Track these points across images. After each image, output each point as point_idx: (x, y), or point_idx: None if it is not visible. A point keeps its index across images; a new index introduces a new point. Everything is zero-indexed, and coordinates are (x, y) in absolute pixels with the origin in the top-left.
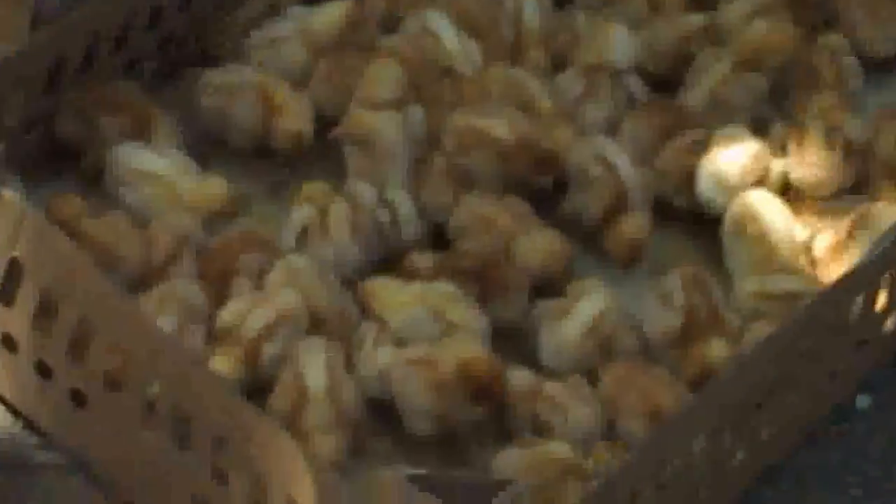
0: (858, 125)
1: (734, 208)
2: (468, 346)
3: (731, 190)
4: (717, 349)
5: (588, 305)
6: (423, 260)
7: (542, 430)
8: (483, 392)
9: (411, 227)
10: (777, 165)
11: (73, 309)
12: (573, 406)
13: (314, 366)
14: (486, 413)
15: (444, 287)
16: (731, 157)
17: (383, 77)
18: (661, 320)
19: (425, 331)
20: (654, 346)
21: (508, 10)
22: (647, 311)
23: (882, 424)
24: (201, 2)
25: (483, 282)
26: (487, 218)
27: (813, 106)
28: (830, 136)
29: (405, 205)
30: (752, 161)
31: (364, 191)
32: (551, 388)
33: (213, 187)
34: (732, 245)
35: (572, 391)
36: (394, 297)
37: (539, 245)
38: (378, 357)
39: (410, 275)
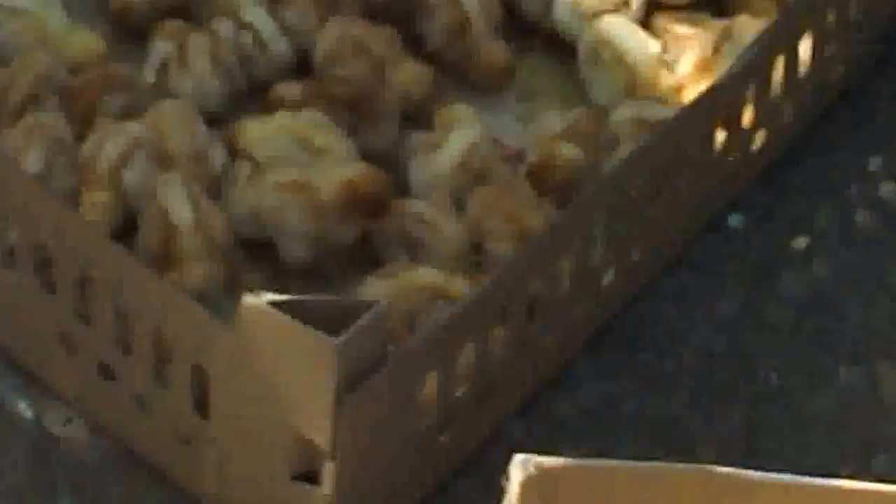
0: None
1: (586, 37)
2: (349, 166)
3: (587, 15)
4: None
5: (459, 137)
6: (289, 89)
7: (412, 249)
8: (370, 208)
9: (279, 47)
10: None
11: None
12: (441, 221)
13: (177, 198)
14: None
15: (311, 115)
16: None
17: None
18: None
19: (294, 160)
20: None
21: None
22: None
23: (754, 241)
24: None
25: (354, 110)
26: (359, 42)
27: None
28: None
29: (267, 25)
30: None
31: (221, 22)
32: (417, 205)
33: (85, 40)
34: (592, 74)
35: (439, 208)
36: (259, 131)
37: (410, 72)
38: (250, 193)
39: (276, 106)
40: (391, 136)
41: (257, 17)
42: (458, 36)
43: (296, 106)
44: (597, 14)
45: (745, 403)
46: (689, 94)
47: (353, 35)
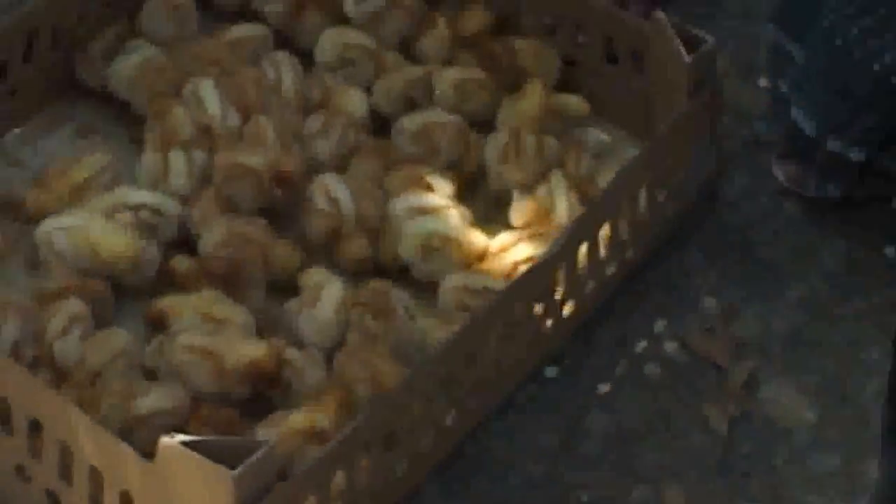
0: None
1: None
2: (253, 344)
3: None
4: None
5: (331, 291)
6: (181, 263)
7: (286, 389)
8: (269, 380)
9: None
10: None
11: None
12: (308, 368)
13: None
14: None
15: (210, 293)
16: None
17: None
18: None
19: (203, 329)
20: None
21: (270, 78)
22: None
23: (567, 388)
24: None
25: (228, 282)
26: (239, 233)
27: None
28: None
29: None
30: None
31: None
32: (291, 353)
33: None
34: (422, 265)
35: (309, 357)
36: (177, 308)
37: (281, 252)
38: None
39: (174, 275)
40: (260, 300)
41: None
42: (332, 234)
43: (190, 277)
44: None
45: None
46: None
47: (233, 228)
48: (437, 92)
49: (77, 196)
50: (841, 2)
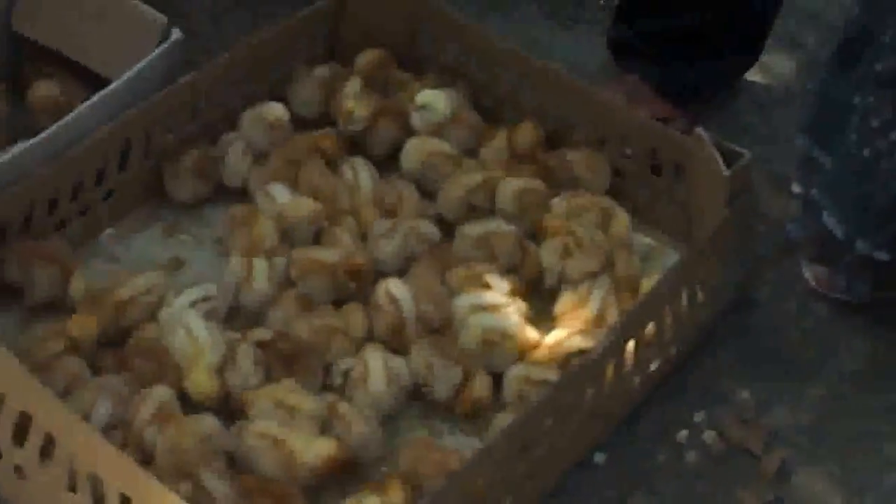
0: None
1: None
2: (327, 442)
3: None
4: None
5: (377, 365)
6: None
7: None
8: (336, 470)
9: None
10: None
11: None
12: (356, 421)
13: None
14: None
15: (287, 381)
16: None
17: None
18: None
19: (276, 417)
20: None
21: (348, 179)
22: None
23: (614, 473)
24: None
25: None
26: (331, 327)
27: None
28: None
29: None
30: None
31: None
32: (342, 406)
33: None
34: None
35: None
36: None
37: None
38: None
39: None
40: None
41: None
42: (396, 331)
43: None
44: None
45: None
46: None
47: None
48: (498, 202)
49: (121, 311)
50: (868, 116)
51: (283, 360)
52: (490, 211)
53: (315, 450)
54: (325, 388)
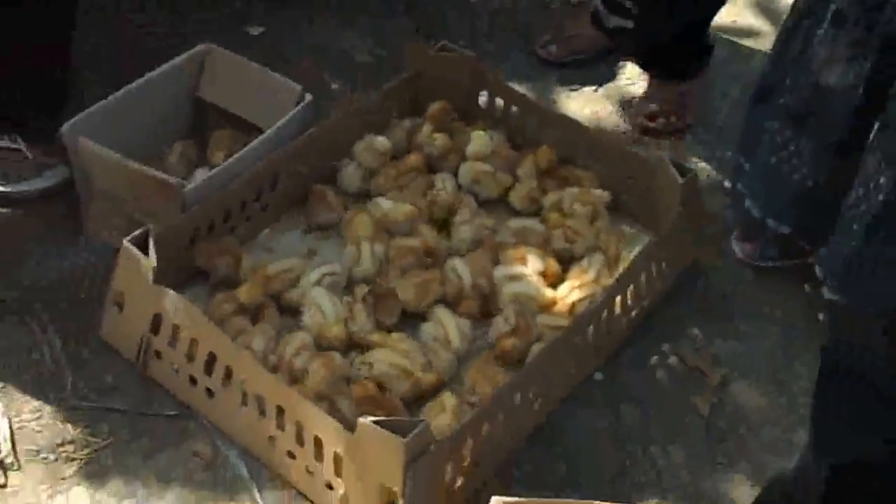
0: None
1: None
2: (430, 375)
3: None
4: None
5: (450, 323)
6: None
7: None
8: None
9: None
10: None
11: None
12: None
13: None
14: None
15: (396, 334)
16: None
17: None
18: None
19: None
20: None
21: (438, 188)
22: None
23: (608, 386)
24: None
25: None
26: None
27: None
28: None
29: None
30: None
31: None
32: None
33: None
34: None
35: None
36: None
37: None
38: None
39: None
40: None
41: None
42: (457, 295)
43: None
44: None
45: None
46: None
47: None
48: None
49: (271, 283)
50: (775, 135)
51: (376, 301)
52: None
53: (427, 377)
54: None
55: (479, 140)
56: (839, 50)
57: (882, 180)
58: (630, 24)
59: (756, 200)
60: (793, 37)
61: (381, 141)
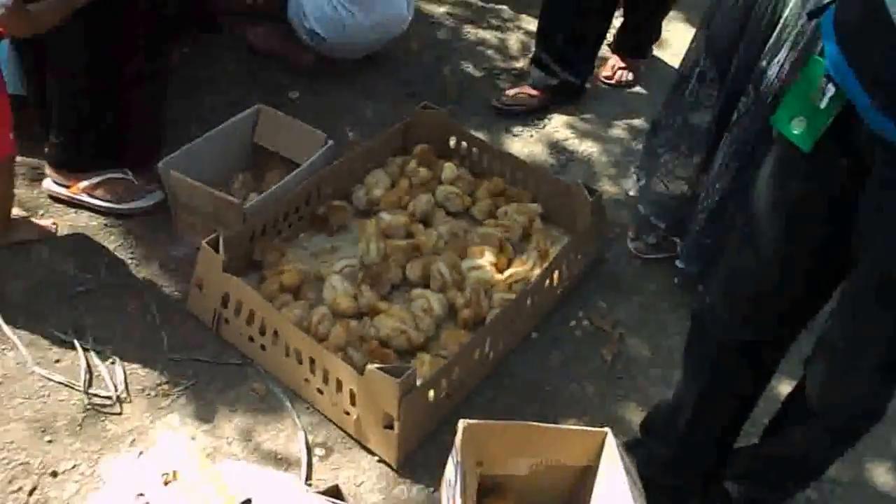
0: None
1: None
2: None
3: None
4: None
5: (435, 299)
6: None
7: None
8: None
9: None
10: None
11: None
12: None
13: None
14: None
15: (395, 307)
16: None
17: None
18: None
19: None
20: None
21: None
22: None
23: (541, 344)
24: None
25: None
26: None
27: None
28: None
29: None
30: None
31: None
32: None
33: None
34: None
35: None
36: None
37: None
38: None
39: None
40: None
41: None
42: (442, 285)
43: None
44: None
45: None
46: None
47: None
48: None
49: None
50: (661, 157)
51: (370, 279)
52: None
53: (416, 335)
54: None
55: (449, 170)
56: (701, 99)
57: (718, 185)
58: (555, 82)
59: (646, 206)
60: (675, 90)
61: (381, 173)
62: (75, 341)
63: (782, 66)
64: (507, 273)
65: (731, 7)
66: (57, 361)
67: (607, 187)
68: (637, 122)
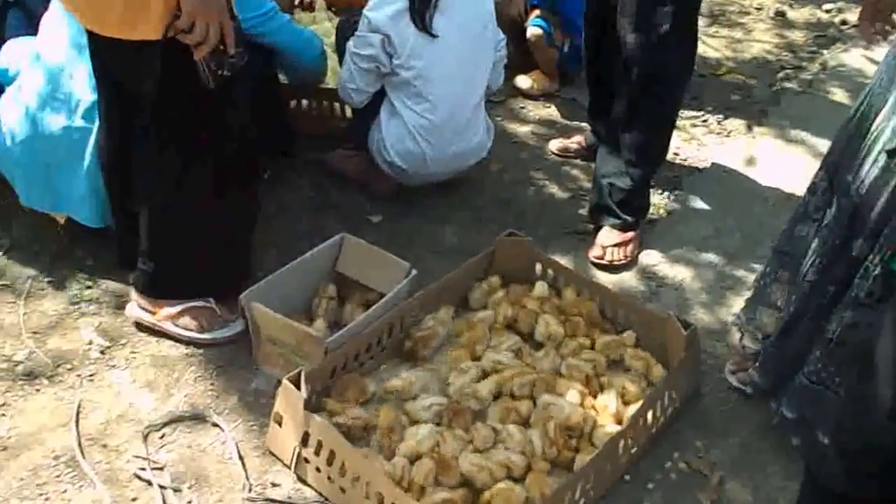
0: None
1: None
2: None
3: None
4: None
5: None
6: None
7: None
8: None
9: None
10: None
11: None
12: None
13: None
14: None
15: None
16: None
17: None
18: None
19: None
20: None
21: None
22: None
23: (636, 489)
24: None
25: None
26: None
27: None
28: None
29: None
30: None
31: None
32: None
33: None
34: None
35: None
36: None
37: None
38: None
39: None
40: None
41: None
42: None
43: None
44: None
45: None
46: None
47: None
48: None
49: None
50: (769, 276)
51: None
52: None
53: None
54: None
55: (539, 289)
56: (810, 211)
57: (794, 296)
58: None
59: (748, 336)
60: (798, 221)
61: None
62: (152, 479)
63: (862, 182)
64: (598, 408)
65: (848, 118)
66: (134, 500)
67: (701, 315)
68: (730, 243)
